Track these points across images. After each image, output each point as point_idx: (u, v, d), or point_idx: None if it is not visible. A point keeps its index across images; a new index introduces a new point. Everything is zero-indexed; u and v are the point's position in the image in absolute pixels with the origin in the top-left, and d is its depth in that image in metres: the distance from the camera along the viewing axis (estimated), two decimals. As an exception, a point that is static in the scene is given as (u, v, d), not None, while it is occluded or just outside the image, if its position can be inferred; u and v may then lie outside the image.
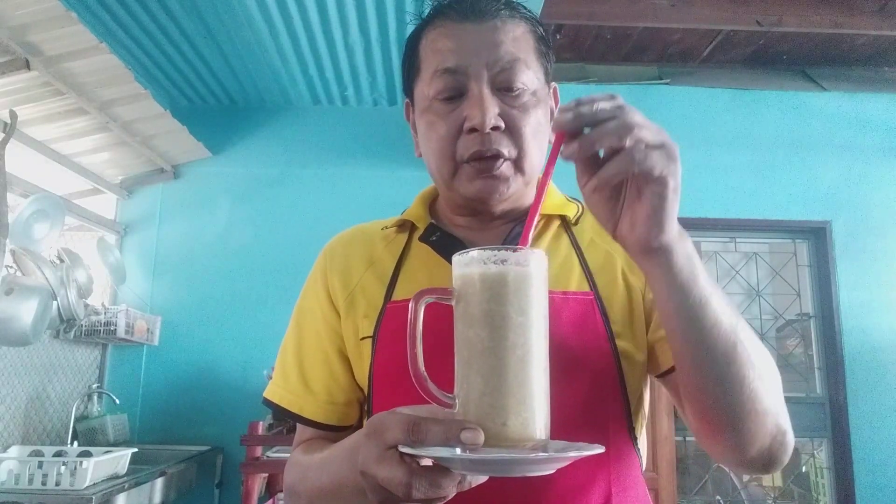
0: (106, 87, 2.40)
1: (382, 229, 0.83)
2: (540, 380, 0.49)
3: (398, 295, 0.75)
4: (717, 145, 3.32)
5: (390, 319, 0.72)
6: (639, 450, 0.72)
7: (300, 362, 0.79)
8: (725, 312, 0.57)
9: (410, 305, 0.50)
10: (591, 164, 0.52)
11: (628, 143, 0.49)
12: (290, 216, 3.22)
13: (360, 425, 0.79)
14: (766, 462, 0.64)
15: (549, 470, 0.46)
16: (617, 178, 0.50)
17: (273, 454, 2.45)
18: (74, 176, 2.80)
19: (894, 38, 3.31)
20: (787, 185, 3.33)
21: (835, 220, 3.29)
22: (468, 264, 0.50)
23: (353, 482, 0.56)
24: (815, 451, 3.21)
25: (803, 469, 3.25)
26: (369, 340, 0.73)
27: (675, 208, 0.52)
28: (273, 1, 2.47)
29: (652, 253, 0.54)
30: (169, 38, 2.75)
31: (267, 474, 2.62)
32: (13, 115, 2.21)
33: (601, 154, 0.51)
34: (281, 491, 2.56)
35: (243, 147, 3.38)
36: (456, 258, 0.51)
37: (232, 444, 2.84)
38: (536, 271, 0.49)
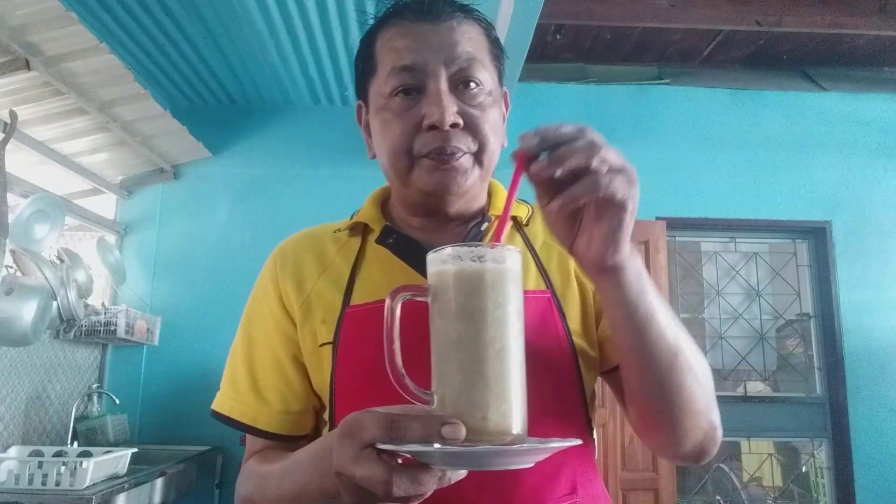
0: (106, 87, 2.40)
1: (334, 232, 0.82)
2: (518, 374, 0.49)
3: (357, 299, 0.73)
4: (717, 145, 3.32)
5: (351, 324, 0.71)
6: (593, 438, 0.75)
7: (251, 371, 0.76)
8: (669, 325, 0.61)
9: (387, 303, 0.49)
10: (550, 187, 0.53)
11: (595, 163, 0.50)
12: (290, 216, 3.22)
13: (315, 435, 0.77)
14: (697, 454, 0.69)
15: (529, 462, 0.47)
16: (583, 199, 0.52)
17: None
18: (74, 176, 2.79)
19: (894, 38, 3.32)
20: (787, 185, 3.33)
21: (835, 220, 3.29)
22: (444, 261, 0.50)
23: (319, 487, 0.55)
24: (815, 451, 3.21)
25: (803, 469, 3.25)
26: (329, 346, 0.72)
27: (630, 229, 0.54)
28: (273, 1, 2.47)
29: (606, 271, 0.56)
30: (169, 38, 2.75)
31: (267, 474, 2.62)
32: (13, 115, 2.21)
33: (557, 175, 0.52)
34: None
35: (243, 147, 3.38)
36: (431, 255, 0.51)
37: (232, 444, 2.84)
38: (513, 267, 0.50)
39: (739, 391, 3.23)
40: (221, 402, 0.78)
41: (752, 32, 3.26)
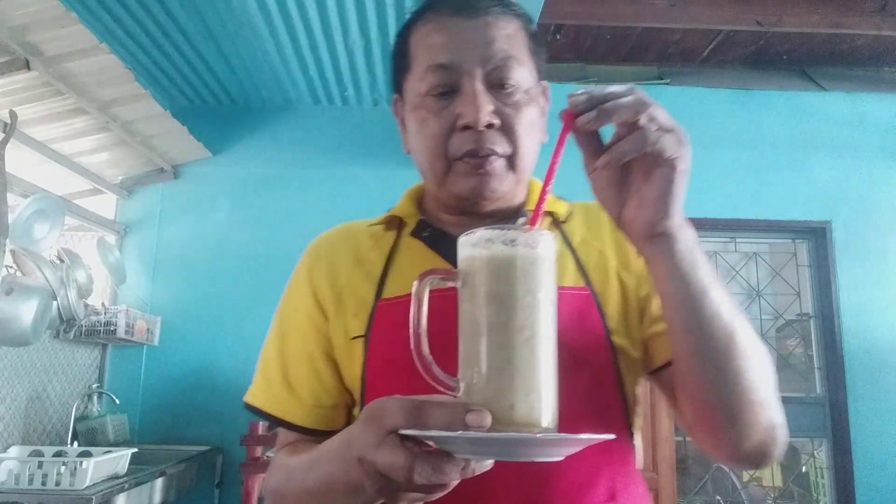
0: (106, 87, 2.40)
1: (368, 226, 0.81)
2: (548, 364, 0.47)
3: (389, 292, 0.73)
4: (717, 145, 3.32)
5: (382, 317, 0.71)
6: (634, 446, 0.72)
7: (284, 365, 0.76)
8: (725, 304, 0.57)
9: (414, 286, 0.48)
10: (597, 150, 0.53)
11: (643, 119, 0.50)
12: (290, 216, 3.22)
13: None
14: (759, 455, 0.64)
15: (558, 456, 0.45)
16: (629, 155, 0.51)
17: (273, 454, 2.45)
18: (74, 176, 2.79)
19: (894, 38, 3.32)
20: (787, 185, 3.33)
21: (835, 220, 3.29)
22: (475, 245, 0.48)
23: (343, 479, 0.54)
24: (815, 451, 3.21)
25: (803, 469, 3.25)
26: (360, 340, 0.71)
27: (681, 193, 0.53)
28: (273, 1, 2.47)
29: (656, 238, 0.55)
30: (169, 38, 2.75)
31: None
32: (13, 115, 2.21)
33: (604, 129, 0.52)
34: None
35: (243, 147, 3.38)
36: (462, 238, 0.50)
37: (232, 444, 2.84)
38: (545, 253, 0.48)
39: (739, 391, 3.23)
40: (254, 394, 0.78)
41: (752, 32, 3.26)
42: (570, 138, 0.54)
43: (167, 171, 3.23)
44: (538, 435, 0.44)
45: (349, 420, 0.77)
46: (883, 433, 3.06)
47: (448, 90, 0.68)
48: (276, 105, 3.44)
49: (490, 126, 0.67)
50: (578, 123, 0.52)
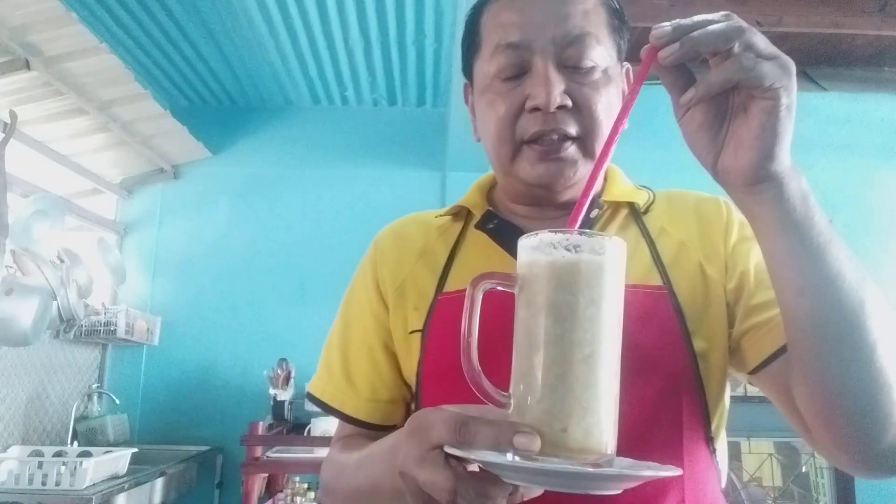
0: (106, 87, 2.40)
1: (436, 217, 0.78)
2: (609, 384, 0.42)
3: (451, 286, 0.69)
4: (717, 145, 3.32)
5: (441, 312, 0.67)
6: (717, 462, 0.63)
7: (345, 356, 0.74)
8: (850, 264, 0.49)
9: (467, 291, 0.44)
10: (687, 88, 0.47)
11: (737, 47, 0.43)
12: (290, 216, 3.22)
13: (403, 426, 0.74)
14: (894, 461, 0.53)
15: (614, 490, 0.41)
16: (723, 86, 0.45)
17: (273, 454, 2.45)
18: (74, 176, 2.79)
19: (894, 38, 3.31)
20: (787, 185, 3.33)
21: (835, 220, 3.27)
22: (535, 248, 0.44)
23: (391, 484, 0.51)
24: (815, 452, 3.21)
25: (803, 469, 3.25)
26: (418, 334, 0.68)
27: (788, 131, 0.45)
28: (273, 1, 2.47)
29: (760, 185, 0.47)
30: (169, 38, 2.75)
31: (267, 474, 2.62)
32: (13, 115, 2.21)
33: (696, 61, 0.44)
34: (281, 491, 2.56)
35: (243, 147, 3.38)
36: (522, 241, 0.45)
37: (232, 444, 2.84)
38: (612, 261, 0.44)
39: (739, 391, 3.23)
40: (315, 385, 0.77)
41: (752, 32, 3.26)
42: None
43: (167, 171, 3.23)
44: (596, 470, 0.40)
45: (408, 415, 0.74)
46: (883, 433, 3.05)
47: (519, 71, 0.63)
48: (276, 105, 3.44)
49: (562, 108, 0.61)
50: (661, 57, 0.45)
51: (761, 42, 0.44)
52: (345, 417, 0.73)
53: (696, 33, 0.44)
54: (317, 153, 3.37)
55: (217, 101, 3.41)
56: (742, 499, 3.00)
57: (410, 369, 0.70)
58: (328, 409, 0.74)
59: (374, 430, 0.73)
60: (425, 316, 0.69)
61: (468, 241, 0.73)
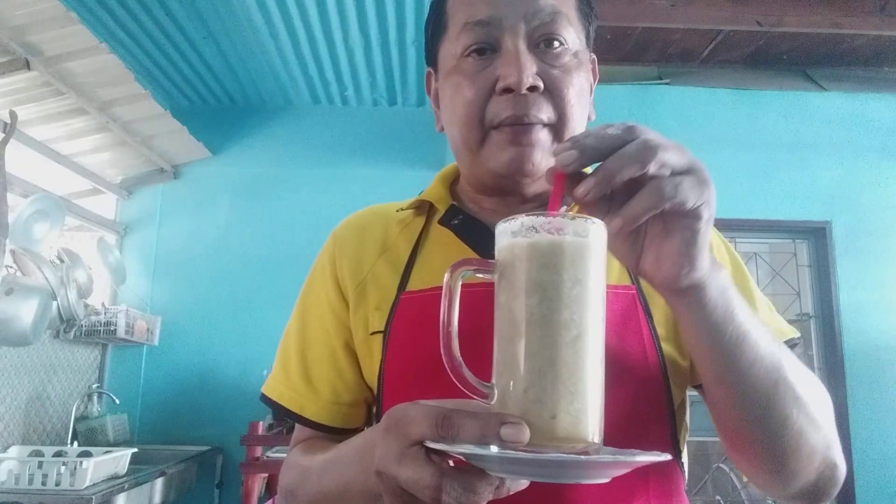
0: (106, 87, 2.40)
1: (398, 211, 0.73)
2: (596, 369, 0.41)
3: (413, 285, 0.66)
4: (717, 145, 3.32)
5: (404, 312, 0.64)
6: (682, 464, 0.64)
7: (303, 356, 0.70)
8: (766, 348, 0.50)
9: (445, 279, 0.42)
10: (603, 202, 0.45)
11: (653, 168, 0.41)
12: (290, 216, 3.22)
13: (365, 428, 0.71)
14: (811, 496, 0.58)
15: (604, 478, 0.40)
16: (645, 216, 0.43)
17: (273, 454, 2.45)
18: (74, 176, 2.80)
19: (894, 38, 3.31)
20: (787, 185, 3.33)
21: (835, 220, 3.28)
22: (516, 233, 0.42)
23: (362, 486, 0.49)
24: (815, 451, 3.21)
25: (803, 469, 3.25)
26: (380, 336, 0.65)
27: (707, 241, 0.45)
28: (273, 1, 2.47)
29: (682, 292, 0.47)
30: (169, 38, 2.75)
31: (267, 474, 2.62)
32: (13, 115, 2.21)
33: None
34: (281, 491, 2.56)
35: (243, 147, 3.38)
36: (501, 226, 0.43)
37: (232, 444, 2.84)
38: (596, 243, 0.42)
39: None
40: (272, 387, 0.72)
41: (752, 32, 3.25)
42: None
43: (167, 171, 3.23)
44: (583, 457, 0.38)
45: (369, 418, 0.72)
46: (883, 433, 3.05)
47: (487, 48, 0.60)
48: (276, 105, 3.44)
49: (534, 89, 0.58)
50: (577, 195, 0.43)
51: (673, 156, 0.42)
52: (305, 422, 0.70)
53: (608, 164, 0.42)
54: (317, 153, 3.37)
55: (217, 101, 3.41)
56: (742, 499, 3.00)
57: (372, 371, 0.67)
58: (286, 414, 0.70)
59: (336, 434, 0.69)
60: (387, 317, 0.66)
61: (431, 237, 0.70)
